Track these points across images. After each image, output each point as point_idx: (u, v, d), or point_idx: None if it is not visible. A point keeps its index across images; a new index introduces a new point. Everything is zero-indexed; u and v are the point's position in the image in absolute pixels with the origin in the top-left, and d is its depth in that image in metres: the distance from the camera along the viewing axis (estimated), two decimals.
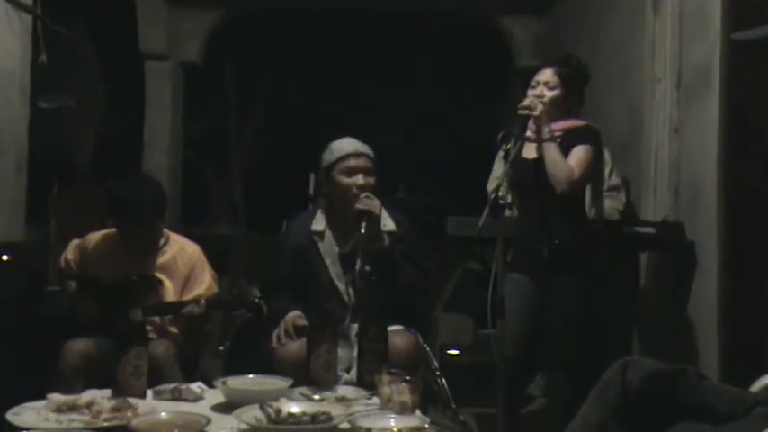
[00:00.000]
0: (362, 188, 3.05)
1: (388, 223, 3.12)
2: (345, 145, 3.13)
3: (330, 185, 3.13)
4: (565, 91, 3.21)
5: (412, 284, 3.10)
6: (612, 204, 4.18)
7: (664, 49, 4.08)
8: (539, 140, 3.15)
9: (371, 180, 3.09)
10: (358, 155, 3.10)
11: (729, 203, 3.54)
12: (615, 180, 4.26)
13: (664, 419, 2.11)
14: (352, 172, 3.07)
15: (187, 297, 3.19)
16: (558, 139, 3.14)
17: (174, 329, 3.23)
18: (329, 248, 3.14)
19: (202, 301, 3.10)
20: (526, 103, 3.15)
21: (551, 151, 3.09)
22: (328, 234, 3.15)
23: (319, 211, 3.22)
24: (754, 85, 3.45)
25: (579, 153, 3.14)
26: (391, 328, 2.79)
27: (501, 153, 3.26)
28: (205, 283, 3.28)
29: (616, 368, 2.22)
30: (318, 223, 3.17)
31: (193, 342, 3.29)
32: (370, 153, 3.14)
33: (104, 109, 7.95)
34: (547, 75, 3.22)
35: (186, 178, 7.58)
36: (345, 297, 3.10)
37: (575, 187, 3.11)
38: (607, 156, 4.17)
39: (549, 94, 3.19)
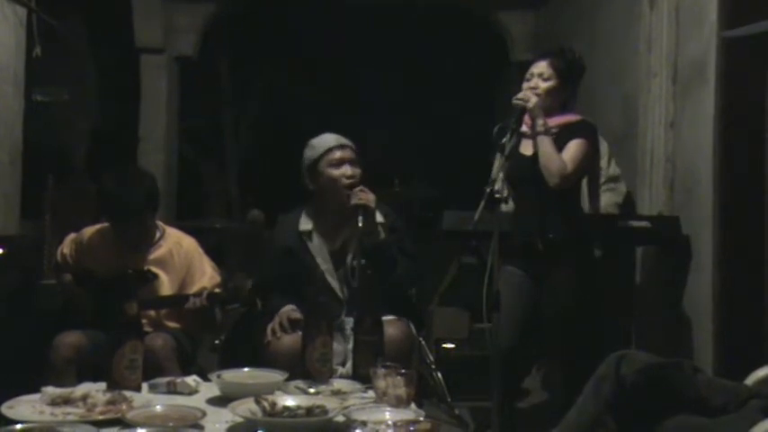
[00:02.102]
0: (351, 178, 3.08)
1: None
2: (328, 139, 3.16)
3: (316, 181, 3.14)
4: (560, 82, 3.20)
5: (407, 277, 3.12)
6: (612, 198, 4.17)
7: (659, 43, 4.08)
8: (534, 135, 3.15)
9: (358, 170, 3.12)
10: (342, 146, 3.13)
11: (724, 197, 3.55)
12: (615, 170, 4.25)
13: (659, 413, 2.12)
14: (339, 163, 3.10)
15: (191, 290, 3.19)
16: (554, 135, 3.14)
17: (170, 323, 3.23)
18: (319, 247, 3.15)
19: (204, 293, 3.11)
20: (520, 95, 3.15)
21: (545, 145, 3.10)
22: (316, 233, 3.16)
23: (303, 212, 3.21)
24: (749, 80, 3.45)
25: (573, 148, 3.14)
26: (384, 318, 2.79)
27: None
28: (207, 274, 3.28)
29: (611, 362, 2.23)
30: (305, 223, 3.18)
31: (193, 335, 3.29)
32: (353, 145, 3.17)
33: (100, 103, 7.93)
34: (541, 66, 3.22)
35: (182, 172, 7.57)
36: (339, 293, 3.11)
37: (567, 181, 3.11)
38: (605, 147, 4.16)
39: (544, 85, 3.19)
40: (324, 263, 3.14)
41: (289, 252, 3.16)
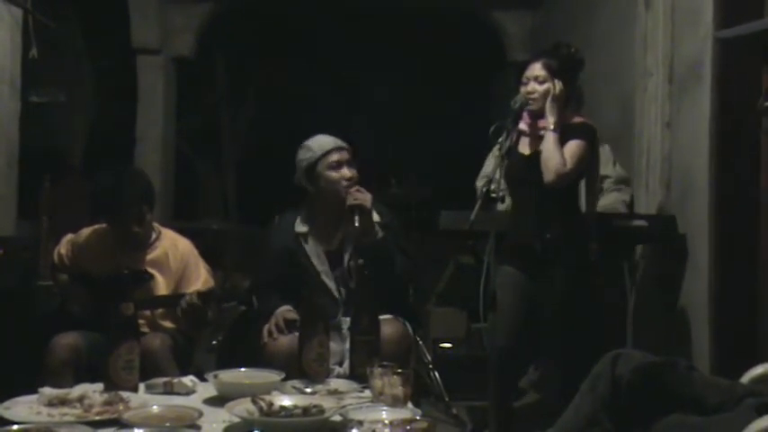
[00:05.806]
0: (350, 179, 3.10)
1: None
2: (325, 141, 3.18)
3: (315, 183, 3.15)
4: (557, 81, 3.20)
5: (406, 276, 3.13)
6: (620, 197, 4.16)
7: (655, 42, 4.09)
8: (534, 134, 3.16)
9: (355, 171, 3.15)
10: (339, 149, 3.16)
11: (720, 196, 3.56)
12: (621, 172, 4.24)
13: (654, 412, 2.12)
14: (338, 166, 3.12)
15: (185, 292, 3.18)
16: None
17: (167, 323, 3.23)
18: (314, 248, 3.17)
19: (195, 294, 3.11)
20: (528, 96, 3.16)
21: (549, 141, 3.10)
22: (311, 235, 3.18)
23: (299, 214, 3.23)
24: (745, 80, 3.45)
25: (572, 147, 3.14)
26: (380, 317, 2.80)
27: (495, 150, 3.26)
28: (201, 277, 3.27)
29: (606, 361, 2.22)
30: (300, 225, 3.20)
31: (190, 335, 3.29)
32: (347, 146, 3.20)
33: (96, 104, 7.93)
34: (536, 69, 3.22)
35: (178, 173, 7.57)
36: (335, 294, 3.12)
37: (563, 179, 3.11)
38: (609, 151, 4.16)
39: (541, 88, 3.19)
40: (320, 264, 3.15)
41: (286, 253, 3.18)
